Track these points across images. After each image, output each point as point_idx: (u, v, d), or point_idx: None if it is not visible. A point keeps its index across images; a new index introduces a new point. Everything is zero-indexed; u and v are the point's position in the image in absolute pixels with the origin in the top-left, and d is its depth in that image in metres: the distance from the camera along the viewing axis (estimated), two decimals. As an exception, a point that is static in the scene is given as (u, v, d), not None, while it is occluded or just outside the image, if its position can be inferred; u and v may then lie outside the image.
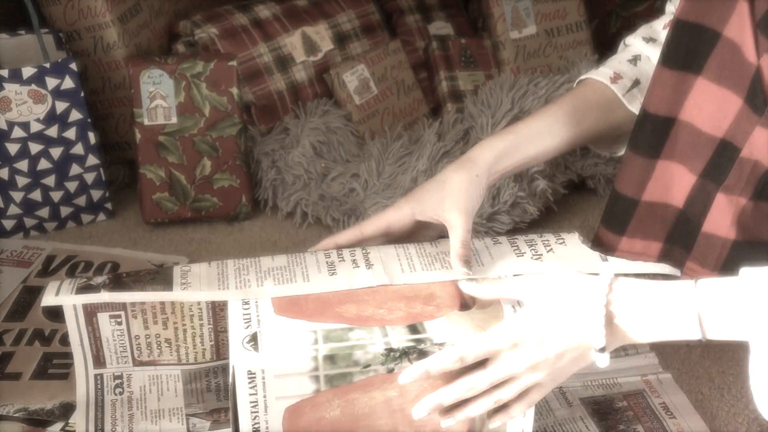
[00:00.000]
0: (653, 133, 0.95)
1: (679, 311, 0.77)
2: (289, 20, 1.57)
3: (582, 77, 1.07)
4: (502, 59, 1.65)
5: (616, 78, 1.04)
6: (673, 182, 0.95)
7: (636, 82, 1.03)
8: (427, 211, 0.96)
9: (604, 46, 1.72)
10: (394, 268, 0.93)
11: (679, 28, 0.92)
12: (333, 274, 0.92)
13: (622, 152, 1.07)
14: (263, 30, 1.54)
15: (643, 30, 1.08)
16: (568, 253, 0.97)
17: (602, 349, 0.80)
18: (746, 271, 0.74)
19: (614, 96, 1.03)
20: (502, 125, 1.42)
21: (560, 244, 0.98)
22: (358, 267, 0.93)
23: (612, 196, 1.01)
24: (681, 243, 0.97)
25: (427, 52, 1.65)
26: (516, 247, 0.98)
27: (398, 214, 0.97)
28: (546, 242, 0.99)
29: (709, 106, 0.91)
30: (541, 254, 0.96)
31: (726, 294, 0.75)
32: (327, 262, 0.94)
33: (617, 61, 1.06)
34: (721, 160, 0.91)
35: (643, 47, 1.05)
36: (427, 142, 1.41)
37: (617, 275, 0.80)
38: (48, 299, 0.89)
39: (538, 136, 1.00)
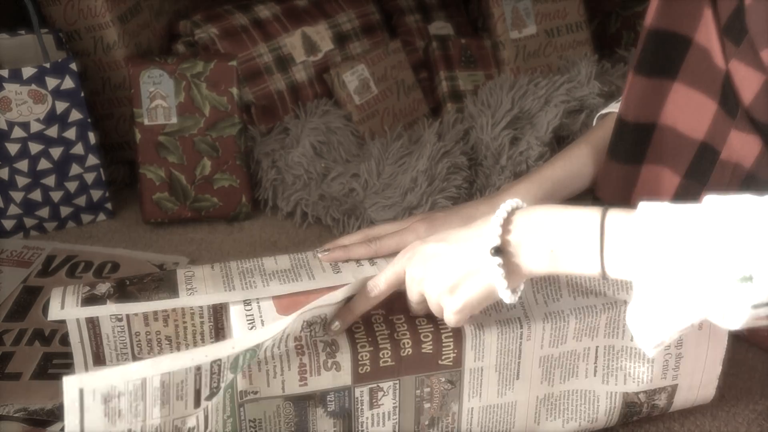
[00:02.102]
0: (635, 140, 0.95)
1: (580, 241, 0.73)
2: (289, 20, 1.57)
3: (603, 112, 1.06)
4: (502, 59, 1.65)
5: None
6: (659, 185, 0.96)
7: None
8: None
9: (604, 46, 1.72)
10: None
11: (651, 36, 0.92)
12: (338, 272, 0.92)
13: None
14: (263, 30, 1.54)
15: None
16: None
17: (505, 281, 0.77)
18: (644, 206, 0.70)
19: None
20: (502, 125, 1.42)
21: None
22: (362, 265, 0.93)
23: (595, 204, 1.01)
24: None
25: (427, 52, 1.65)
26: None
27: (416, 240, 0.94)
28: None
29: (687, 110, 0.92)
30: None
31: (627, 229, 0.71)
32: (331, 264, 0.95)
33: None
34: (703, 162, 0.92)
35: None
36: (427, 142, 1.41)
37: (519, 207, 0.79)
38: (54, 312, 0.89)
39: (570, 180, 1.00)
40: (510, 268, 0.77)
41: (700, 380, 0.95)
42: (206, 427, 0.80)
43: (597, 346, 0.90)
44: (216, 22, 1.52)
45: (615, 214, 0.73)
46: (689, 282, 0.67)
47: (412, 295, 0.84)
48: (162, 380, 0.76)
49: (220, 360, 0.79)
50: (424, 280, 0.82)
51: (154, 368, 0.75)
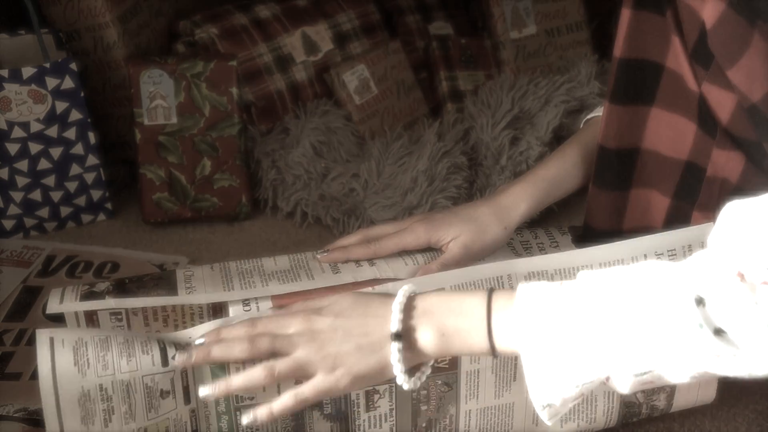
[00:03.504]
0: (620, 167, 0.96)
1: (468, 320, 0.76)
2: (289, 20, 1.57)
3: (589, 116, 1.07)
4: (502, 59, 1.65)
5: None
6: (649, 207, 0.96)
7: None
8: (441, 240, 0.95)
9: (604, 46, 1.72)
10: (398, 264, 0.94)
11: (622, 66, 0.93)
12: (337, 273, 0.92)
13: None
14: (263, 30, 1.54)
15: None
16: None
17: (401, 365, 0.77)
18: (522, 287, 0.74)
19: None
20: (502, 125, 1.42)
21: (554, 247, 0.99)
22: (362, 266, 0.93)
23: (587, 232, 1.01)
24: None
25: (427, 52, 1.65)
26: (512, 248, 0.99)
27: (415, 241, 0.95)
28: (540, 245, 0.99)
29: (668, 133, 0.93)
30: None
31: (510, 310, 0.75)
32: (330, 265, 0.95)
33: None
34: (690, 181, 0.93)
35: None
36: (427, 142, 1.41)
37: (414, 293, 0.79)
38: (52, 307, 0.89)
39: (563, 180, 1.00)
40: (406, 353, 0.78)
41: (696, 397, 0.95)
42: (187, 400, 0.81)
43: None
44: (216, 22, 1.52)
45: (499, 299, 0.76)
46: (569, 352, 0.71)
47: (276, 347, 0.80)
48: (125, 337, 0.80)
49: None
50: (311, 348, 0.79)
51: (116, 330, 0.81)
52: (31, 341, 1.10)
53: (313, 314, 0.80)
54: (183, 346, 0.81)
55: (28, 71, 1.28)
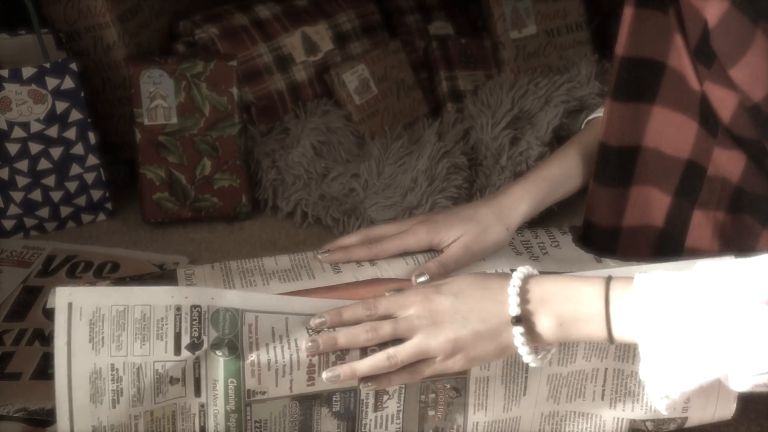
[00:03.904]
0: (621, 164, 0.96)
1: (588, 315, 0.79)
2: (289, 20, 1.57)
3: (591, 117, 1.07)
4: (502, 59, 1.65)
5: None
6: (650, 204, 0.96)
7: None
8: (443, 242, 0.94)
9: (604, 46, 1.72)
10: (399, 264, 0.94)
11: (624, 64, 0.93)
12: (338, 272, 0.92)
13: None
14: (263, 30, 1.54)
15: None
16: (563, 255, 0.97)
17: (527, 348, 0.80)
18: (640, 276, 0.76)
19: None
20: (502, 125, 1.42)
21: (555, 246, 0.99)
22: (363, 266, 0.93)
23: (587, 229, 1.01)
24: (667, 260, 0.97)
25: (427, 52, 1.65)
26: (513, 247, 0.98)
27: (417, 243, 0.95)
28: (541, 244, 0.99)
29: (670, 131, 0.93)
30: (537, 257, 0.97)
31: (630, 301, 0.76)
32: (331, 264, 0.94)
33: None
34: (691, 180, 0.93)
35: None
36: (427, 142, 1.41)
37: (530, 275, 0.82)
38: (53, 302, 0.89)
39: (565, 180, 1.00)
40: (527, 336, 0.81)
41: (713, 413, 0.93)
42: (197, 393, 0.81)
43: (606, 368, 0.90)
44: (216, 22, 1.52)
45: (618, 288, 0.78)
46: (691, 346, 0.72)
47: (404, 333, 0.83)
48: (143, 312, 0.80)
49: (199, 307, 0.81)
50: (431, 331, 0.82)
51: (135, 295, 0.80)
52: (31, 341, 1.10)
53: (432, 293, 0.83)
54: (197, 344, 0.81)
55: (28, 71, 1.28)
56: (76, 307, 0.79)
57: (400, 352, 0.82)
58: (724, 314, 0.71)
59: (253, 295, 0.85)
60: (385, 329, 0.82)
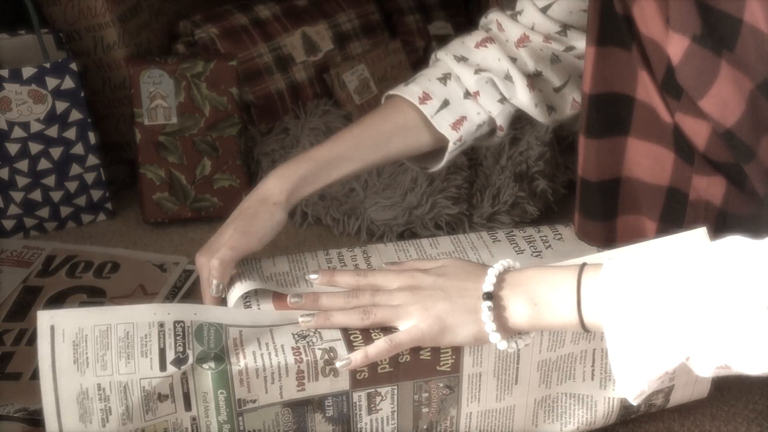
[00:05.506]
0: (603, 197, 0.97)
1: (559, 292, 0.79)
2: (289, 20, 1.57)
3: (390, 92, 1.06)
4: (502, 59, 1.65)
5: (425, 98, 1.03)
6: (638, 233, 0.96)
7: (445, 103, 1.03)
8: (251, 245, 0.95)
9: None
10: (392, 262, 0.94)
11: (593, 101, 0.93)
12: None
13: (433, 168, 1.09)
14: (263, 30, 1.54)
15: (455, 46, 1.07)
16: (566, 248, 0.98)
17: (493, 324, 0.81)
18: (609, 262, 0.76)
19: (422, 117, 1.03)
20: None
21: (558, 239, 0.99)
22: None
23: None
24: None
25: (427, 52, 1.65)
26: (515, 244, 0.99)
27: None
28: (544, 238, 0.99)
29: (647, 161, 0.93)
30: (540, 251, 0.97)
31: (597, 285, 0.77)
32: (329, 267, 0.95)
33: (427, 79, 1.05)
34: (674, 206, 0.93)
35: (454, 66, 1.05)
36: (427, 142, 1.41)
37: (511, 268, 0.84)
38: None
39: (339, 161, 0.99)
40: (499, 315, 0.82)
41: (696, 377, 0.94)
42: (188, 407, 0.81)
43: (594, 349, 0.90)
44: (216, 22, 1.52)
45: (589, 272, 0.79)
46: (654, 331, 0.72)
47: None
48: (126, 330, 0.80)
49: (183, 322, 0.81)
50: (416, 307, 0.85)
51: (117, 314, 0.80)
52: (32, 341, 1.10)
53: (418, 273, 0.86)
54: (182, 359, 0.81)
55: (28, 71, 1.28)
56: (59, 330, 0.78)
57: (378, 310, 0.85)
58: (687, 300, 0.71)
59: (238, 311, 0.86)
60: (378, 314, 0.85)
